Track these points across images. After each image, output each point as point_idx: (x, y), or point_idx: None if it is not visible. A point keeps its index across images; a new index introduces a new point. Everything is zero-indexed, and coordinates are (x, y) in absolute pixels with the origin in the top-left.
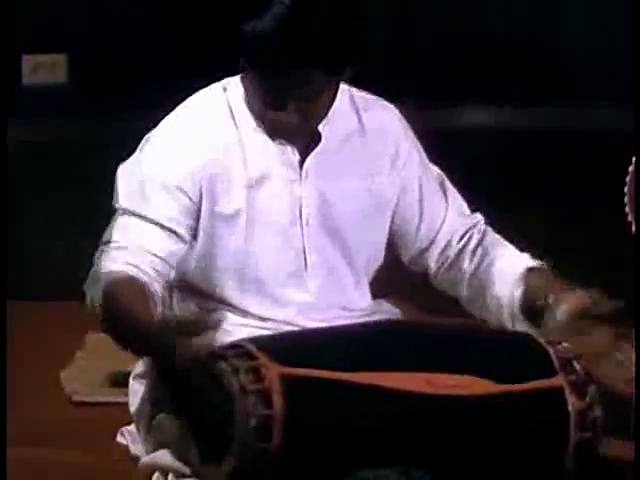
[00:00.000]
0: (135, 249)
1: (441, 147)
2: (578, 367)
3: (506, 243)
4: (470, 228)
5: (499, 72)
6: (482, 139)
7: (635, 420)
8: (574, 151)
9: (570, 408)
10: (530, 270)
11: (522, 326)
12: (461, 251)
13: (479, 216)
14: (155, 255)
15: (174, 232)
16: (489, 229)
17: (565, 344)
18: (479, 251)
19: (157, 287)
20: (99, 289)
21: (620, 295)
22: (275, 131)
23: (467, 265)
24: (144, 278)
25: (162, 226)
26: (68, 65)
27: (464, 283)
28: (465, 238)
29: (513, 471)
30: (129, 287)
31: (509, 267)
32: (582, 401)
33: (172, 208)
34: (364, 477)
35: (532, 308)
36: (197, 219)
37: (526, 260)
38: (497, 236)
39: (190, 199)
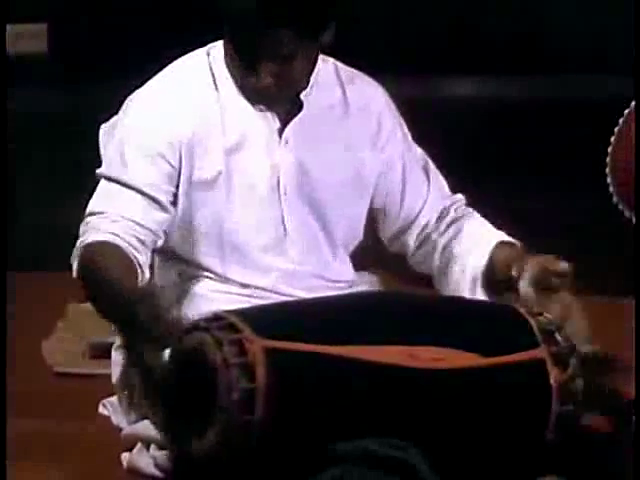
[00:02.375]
0: (116, 217)
1: (424, 117)
2: (560, 339)
3: (483, 220)
4: (449, 206)
5: (483, 43)
6: (465, 109)
7: (635, 419)
8: (558, 120)
9: (552, 380)
10: (500, 243)
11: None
12: (436, 226)
13: (460, 196)
14: (137, 223)
15: (155, 200)
16: (470, 209)
17: (547, 315)
18: (454, 226)
19: (139, 255)
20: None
21: (604, 262)
22: (253, 96)
23: (439, 238)
24: (124, 245)
25: (143, 193)
26: (49, 35)
27: (435, 255)
28: (442, 215)
29: (495, 443)
30: (109, 254)
31: (479, 240)
32: (564, 373)
33: (153, 174)
34: (347, 448)
35: (495, 280)
36: (177, 185)
37: (498, 235)
38: (476, 214)
39: (170, 165)
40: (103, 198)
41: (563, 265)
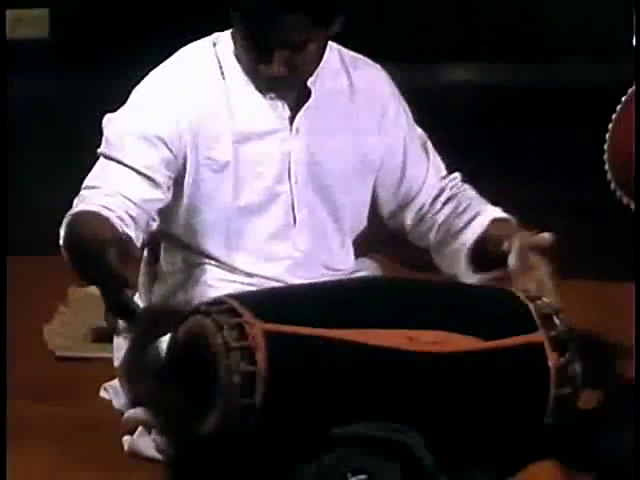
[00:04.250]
0: (109, 191)
1: (421, 103)
2: (558, 322)
3: (480, 197)
4: (446, 184)
5: (479, 30)
6: (463, 94)
7: (635, 418)
8: (553, 105)
9: (550, 364)
10: (495, 220)
11: (470, 275)
12: (433, 203)
13: (456, 174)
14: (130, 200)
15: (152, 180)
16: (466, 185)
17: (545, 299)
18: (451, 203)
19: (128, 230)
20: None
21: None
22: (264, 84)
23: (437, 215)
24: (113, 217)
25: (138, 172)
26: (50, 20)
27: (433, 232)
28: (440, 193)
29: (494, 426)
30: (95, 220)
31: (474, 216)
32: (562, 357)
33: (150, 157)
34: (346, 432)
35: (488, 256)
36: (178, 172)
37: (493, 212)
38: (472, 191)
39: (170, 150)
40: (99, 174)
41: (546, 237)
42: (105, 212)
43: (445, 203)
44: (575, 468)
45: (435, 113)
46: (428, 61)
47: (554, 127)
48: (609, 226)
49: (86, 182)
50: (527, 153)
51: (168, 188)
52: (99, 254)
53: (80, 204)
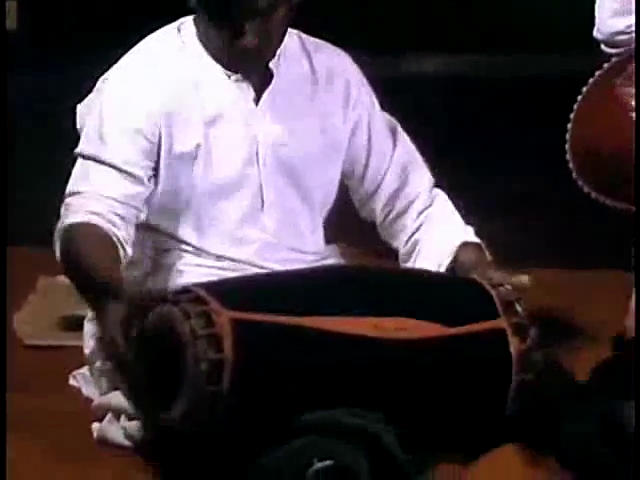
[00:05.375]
0: (94, 195)
1: (391, 94)
2: (520, 309)
3: (452, 211)
4: (419, 190)
5: (449, 21)
6: (431, 86)
7: (635, 418)
8: (521, 97)
9: (512, 349)
10: (464, 245)
11: None
12: (408, 207)
13: (431, 180)
14: (116, 200)
15: (133, 175)
16: (441, 193)
17: (508, 286)
18: (423, 215)
19: (119, 232)
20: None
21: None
22: (233, 63)
23: (411, 222)
24: (104, 223)
25: (120, 170)
26: (18, 12)
27: (404, 238)
28: (412, 198)
29: (457, 411)
30: (88, 235)
31: (446, 237)
32: (523, 343)
33: (130, 151)
34: (312, 418)
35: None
36: (156, 160)
37: (464, 234)
38: (448, 203)
39: (148, 140)
40: (81, 177)
41: (523, 279)
42: (94, 219)
43: (418, 215)
44: (538, 451)
45: (402, 103)
46: (395, 52)
47: (517, 117)
48: (575, 217)
49: (69, 188)
50: (489, 142)
51: (149, 179)
52: (98, 285)
53: (69, 215)
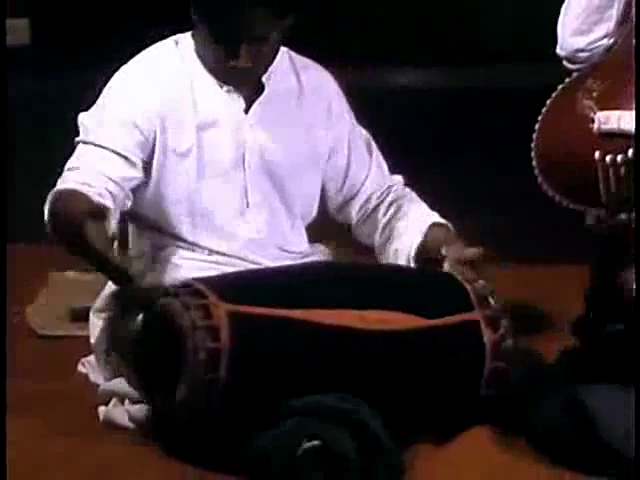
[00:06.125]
0: (88, 170)
1: (367, 105)
2: (493, 302)
3: (420, 201)
4: (389, 186)
5: (422, 35)
6: (405, 98)
7: (635, 420)
8: (490, 107)
9: (485, 340)
10: (433, 225)
11: None
12: (378, 205)
13: (399, 177)
14: (108, 177)
15: (128, 159)
16: (407, 189)
17: (482, 282)
18: (394, 205)
19: (109, 204)
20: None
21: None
22: (226, 78)
23: (381, 216)
24: (92, 193)
25: (116, 152)
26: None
27: (377, 232)
28: (384, 194)
29: (435, 397)
30: (74, 196)
31: (415, 221)
32: (496, 333)
33: (126, 139)
34: (302, 403)
35: (426, 259)
36: (149, 156)
37: (432, 217)
38: (414, 195)
39: (144, 136)
40: (79, 157)
41: (474, 252)
42: (85, 188)
43: (389, 206)
44: (508, 432)
45: (380, 115)
46: (367, 65)
47: (487, 127)
48: (542, 218)
49: (67, 165)
50: (463, 151)
51: (143, 169)
52: (78, 227)
53: (61, 184)
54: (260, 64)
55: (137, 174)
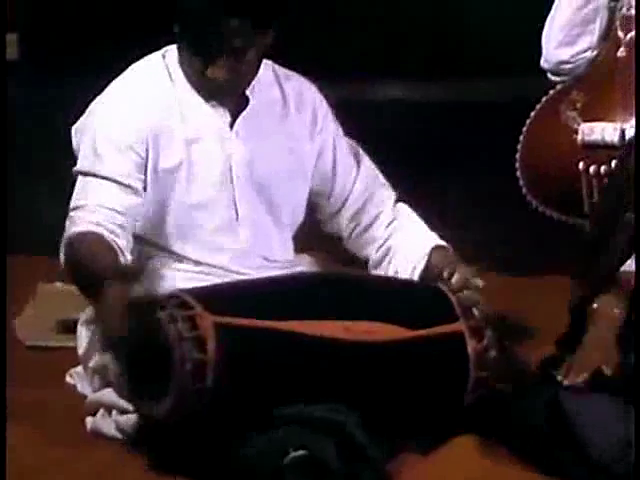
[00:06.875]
0: (94, 207)
1: (357, 119)
2: (477, 313)
3: (420, 221)
4: (387, 201)
5: (409, 49)
6: (394, 111)
7: (635, 419)
8: (475, 121)
9: (470, 350)
10: (435, 248)
11: None
12: (376, 218)
13: (393, 194)
14: (114, 210)
15: (130, 187)
16: (406, 206)
17: (466, 292)
18: (393, 223)
19: (119, 240)
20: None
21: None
22: (207, 91)
23: (379, 233)
24: (105, 233)
25: (118, 182)
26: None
27: (375, 246)
28: (380, 209)
29: (421, 405)
30: (91, 243)
31: (416, 243)
32: (480, 344)
33: (125, 165)
34: (290, 412)
35: (427, 280)
36: (145, 174)
37: (433, 239)
38: (413, 214)
39: (139, 155)
40: (82, 192)
41: (478, 282)
42: (97, 229)
43: (389, 223)
44: (492, 440)
45: (367, 128)
46: (360, 78)
47: (471, 140)
48: (527, 230)
49: (72, 203)
50: (447, 163)
51: (144, 190)
52: (98, 282)
53: (72, 227)
54: (240, 78)
55: (140, 199)
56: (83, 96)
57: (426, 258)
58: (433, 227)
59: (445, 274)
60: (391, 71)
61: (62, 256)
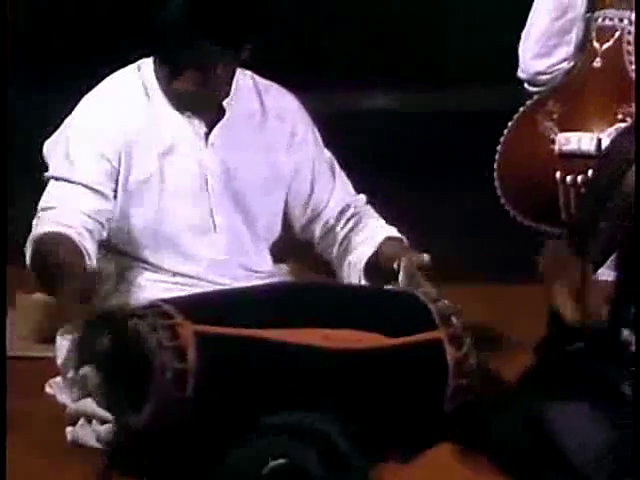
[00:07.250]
0: (64, 208)
1: (343, 128)
2: (456, 321)
3: (378, 217)
4: (350, 203)
5: (395, 61)
6: (379, 121)
7: (635, 419)
8: (455, 129)
9: (449, 358)
10: (387, 239)
11: None
12: (338, 220)
13: (362, 196)
14: (85, 214)
15: (100, 193)
16: (368, 206)
17: (445, 301)
18: (352, 220)
19: (87, 243)
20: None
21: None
22: (179, 102)
23: (339, 230)
24: (73, 234)
25: (89, 187)
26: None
27: (335, 246)
28: (344, 209)
29: (400, 413)
30: (58, 240)
31: (370, 235)
32: (459, 351)
33: (96, 172)
34: (272, 421)
35: (381, 271)
36: (117, 183)
37: (387, 231)
38: (372, 211)
39: (111, 164)
40: (53, 195)
41: (424, 258)
42: (66, 231)
43: (348, 220)
44: (471, 449)
45: (350, 137)
46: (349, 89)
47: (454, 149)
48: (502, 239)
49: (41, 204)
50: (430, 172)
51: (114, 197)
52: (63, 282)
53: (41, 226)
54: (210, 91)
55: (110, 206)
56: (62, 109)
57: (375, 247)
58: (423, 234)
59: (396, 264)
60: (379, 81)
61: (29, 253)
